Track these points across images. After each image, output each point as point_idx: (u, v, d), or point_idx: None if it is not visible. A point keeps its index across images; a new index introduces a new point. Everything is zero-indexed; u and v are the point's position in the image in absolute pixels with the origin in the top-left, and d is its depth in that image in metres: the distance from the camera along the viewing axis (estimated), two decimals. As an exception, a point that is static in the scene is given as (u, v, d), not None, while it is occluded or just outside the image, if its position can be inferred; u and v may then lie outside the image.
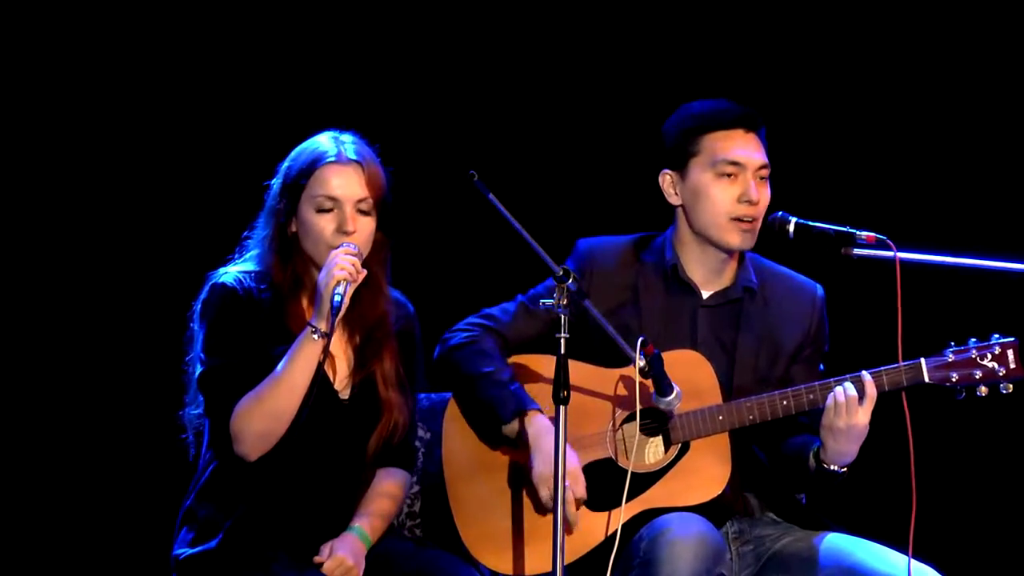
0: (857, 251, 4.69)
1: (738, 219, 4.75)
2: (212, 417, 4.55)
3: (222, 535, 4.47)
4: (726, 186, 4.76)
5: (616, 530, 4.54)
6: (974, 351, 4.59)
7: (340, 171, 4.57)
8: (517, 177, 6.01)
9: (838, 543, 4.69)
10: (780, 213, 4.79)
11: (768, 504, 4.81)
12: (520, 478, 4.72)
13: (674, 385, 4.50)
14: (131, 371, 6.02)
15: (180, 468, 4.72)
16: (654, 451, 4.72)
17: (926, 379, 4.59)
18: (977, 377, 4.58)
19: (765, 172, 4.79)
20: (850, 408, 4.53)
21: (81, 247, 6.06)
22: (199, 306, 4.60)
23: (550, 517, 4.30)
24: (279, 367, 4.46)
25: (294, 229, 4.60)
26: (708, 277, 4.85)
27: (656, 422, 4.70)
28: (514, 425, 4.67)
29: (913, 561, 4.53)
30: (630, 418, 4.68)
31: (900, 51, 6.20)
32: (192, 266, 4.72)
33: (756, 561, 4.76)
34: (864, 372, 4.58)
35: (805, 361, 4.84)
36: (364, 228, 4.56)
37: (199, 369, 4.54)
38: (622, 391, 4.70)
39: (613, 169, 6.16)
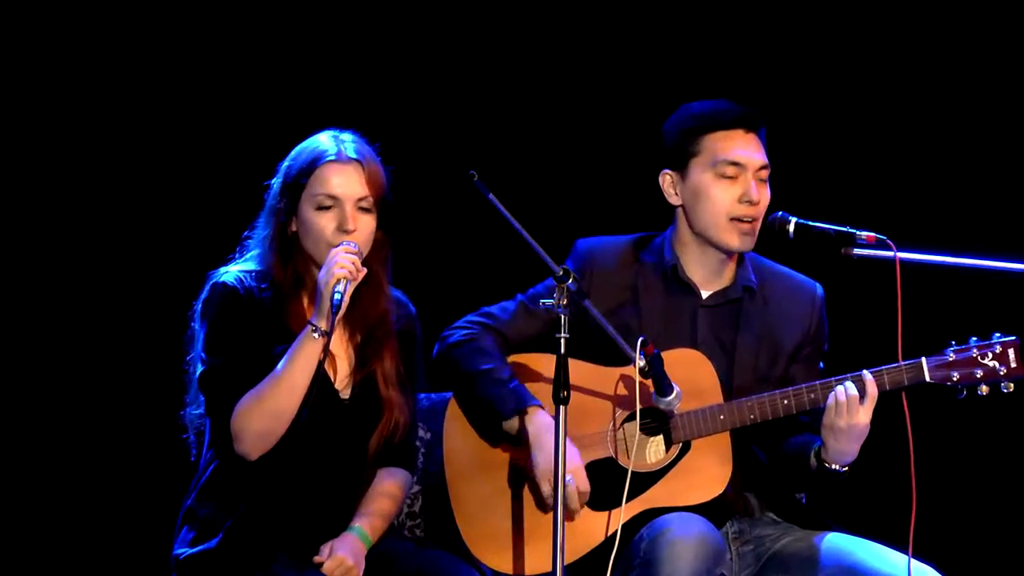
0: (857, 251, 4.69)
1: (738, 219, 4.75)
2: (213, 416, 4.54)
3: (222, 534, 4.47)
4: (727, 186, 4.76)
5: (616, 530, 4.54)
6: (975, 350, 4.59)
7: (340, 170, 4.57)
8: (517, 177, 6.01)
9: (838, 543, 4.69)
10: (780, 213, 4.79)
11: (768, 504, 4.81)
12: (521, 477, 4.72)
13: (674, 385, 4.50)
14: (132, 371, 6.02)
15: (181, 468, 4.72)
16: (655, 450, 4.72)
17: (927, 378, 4.59)
18: (978, 376, 4.58)
19: (765, 173, 4.79)
20: (851, 407, 4.53)
21: (82, 247, 6.06)
22: (200, 305, 4.60)
23: (551, 517, 4.29)
24: (279, 366, 4.46)
25: (294, 228, 4.60)
26: (707, 277, 4.85)
27: (657, 421, 4.70)
28: (514, 422, 4.67)
29: (913, 561, 4.53)
30: (631, 417, 4.68)
31: (900, 51, 6.20)
32: (193, 266, 4.72)
33: (756, 561, 4.76)
34: (865, 371, 4.58)
35: (805, 360, 4.84)
36: (364, 227, 4.56)
37: (200, 368, 4.54)
38: (622, 390, 4.70)
39: (612, 169, 6.16)
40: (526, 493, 4.70)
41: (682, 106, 4.86)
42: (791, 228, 4.75)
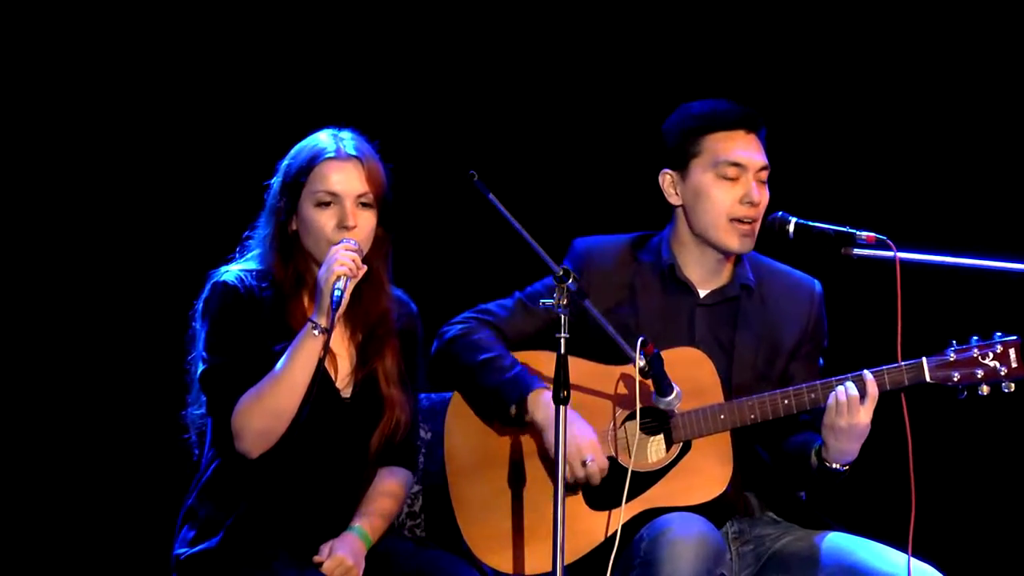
0: (857, 251, 4.69)
1: (738, 220, 4.75)
2: (214, 415, 4.55)
3: (223, 534, 4.47)
4: (727, 187, 4.76)
5: (616, 530, 4.54)
6: (976, 350, 4.59)
7: (340, 167, 4.57)
8: (517, 177, 6.01)
9: (838, 542, 4.69)
10: (780, 213, 4.79)
11: (768, 503, 4.81)
12: (522, 477, 4.72)
13: (674, 385, 4.50)
14: (133, 371, 6.02)
15: (182, 468, 4.72)
16: (655, 450, 4.72)
17: (928, 378, 4.59)
18: (979, 376, 4.58)
19: (765, 174, 4.79)
20: (851, 407, 4.53)
21: (83, 247, 6.06)
22: (200, 305, 4.60)
23: (551, 516, 4.29)
24: (279, 364, 4.46)
25: (295, 227, 4.60)
26: (705, 276, 4.85)
27: (657, 421, 4.70)
28: (522, 408, 4.66)
29: (913, 560, 4.53)
30: (631, 416, 4.68)
31: (900, 51, 6.20)
32: (194, 266, 4.72)
33: (756, 561, 4.76)
34: (866, 371, 4.58)
35: (804, 358, 4.84)
36: (365, 224, 4.56)
37: (201, 367, 4.54)
38: (623, 390, 4.69)
39: (611, 169, 6.16)
40: (527, 493, 4.70)
41: (682, 106, 4.86)
42: (791, 228, 4.75)
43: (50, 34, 6.01)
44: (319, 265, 4.51)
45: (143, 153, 6.08)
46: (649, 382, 4.53)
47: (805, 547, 4.71)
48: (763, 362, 4.80)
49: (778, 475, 4.80)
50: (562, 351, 4.33)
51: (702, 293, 4.84)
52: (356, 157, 4.58)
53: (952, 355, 4.59)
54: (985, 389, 4.58)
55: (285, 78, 6.11)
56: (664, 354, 4.49)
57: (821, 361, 4.87)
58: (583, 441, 4.59)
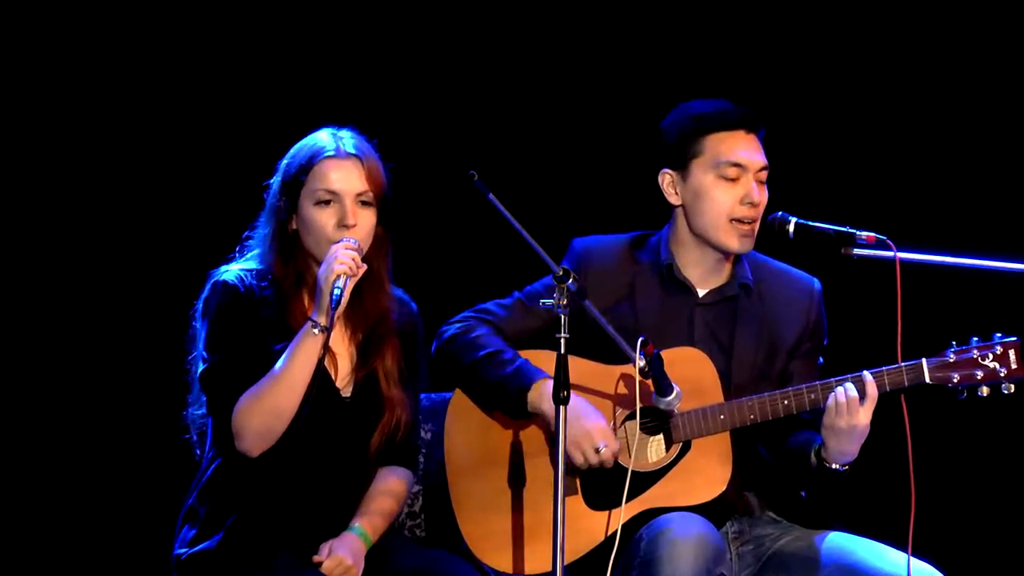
0: (857, 251, 4.69)
1: (739, 220, 4.75)
2: (214, 414, 4.55)
3: (223, 533, 4.47)
4: (728, 188, 4.76)
5: (616, 530, 4.54)
6: (976, 351, 4.58)
7: (339, 165, 4.57)
8: (517, 177, 6.01)
9: (838, 542, 4.69)
10: (780, 213, 4.79)
11: (768, 503, 4.81)
12: (522, 477, 4.72)
13: (674, 385, 4.50)
14: (134, 371, 6.02)
15: (182, 468, 4.72)
16: (655, 450, 4.72)
17: (927, 379, 4.58)
18: (978, 377, 4.57)
19: (764, 174, 4.79)
20: (851, 408, 4.53)
21: (84, 248, 6.06)
22: (200, 304, 4.60)
23: (551, 516, 4.29)
24: (279, 363, 4.46)
25: (295, 226, 4.60)
26: (704, 276, 4.85)
27: (657, 420, 4.70)
28: (527, 400, 4.66)
29: (913, 559, 4.53)
30: (631, 416, 4.68)
31: (900, 51, 6.20)
32: (194, 265, 4.72)
33: (756, 561, 4.76)
34: (865, 372, 4.58)
35: (804, 356, 4.84)
36: (365, 222, 4.56)
37: (201, 367, 4.54)
38: (623, 389, 4.69)
39: (611, 169, 6.16)
40: (526, 493, 4.71)
41: (681, 105, 4.85)
42: (791, 228, 4.75)
43: (50, 34, 6.02)
44: (319, 264, 4.51)
45: (143, 153, 6.08)
46: (649, 382, 4.53)
47: (805, 547, 4.71)
48: (763, 361, 4.80)
49: (778, 474, 4.80)
50: (562, 351, 4.33)
51: (701, 292, 4.84)
52: (356, 155, 4.58)
53: (952, 356, 4.59)
54: (985, 390, 4.58)
55: (285, 78, 6.11)
56: (664, 354, 4.49)
57: (821, 360, 4.88)
58: (595, 427, 4.59)
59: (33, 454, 6.04)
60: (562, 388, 4.31)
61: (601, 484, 4.65)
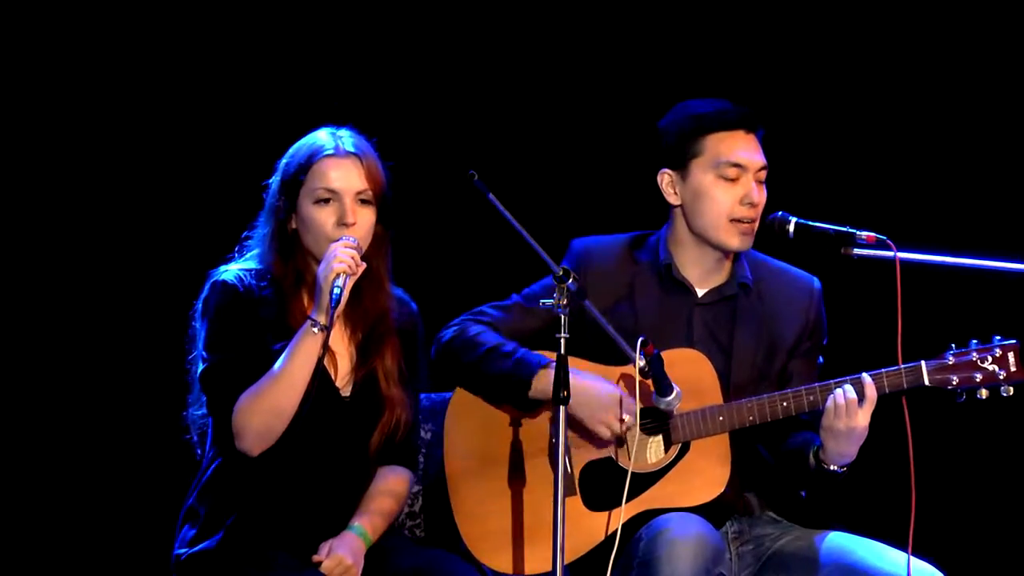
0: (857, 251, 4.69)
1: (738, 220, 4.75)
2: (214, 414, 4.55)
3: (223, 533, 4.47)
4: (728, 188, 4.76)
5: (616, 530, 4.54)
6: (974, 354, 4.58)
7: (338, 164, 4.57)
8: (517, 177, 6.01)
9: (838, 542, 4.69)
10: (780, 213, 4.79)
11: (768, 503, 4.81)
12: (521, 477, 4.72)
13: (674, 385, 4.50)
14: (134, 371, 6.02)
15: (182, 468, 4.72)
16: (655, 450, 4.72)
17: (926, 382, 4.58)
18: (977, 380, 4.57)
19: (764, 174, 4.79)
20: (850, 410, 4.53)
21: (83, 248, 6.06)
22: (200, 304, 4.60)
23: (550, 516, 4.29)
24: (279, 362, 4.46)
25: (294, 226, 4.60)
26: (703, 275, 4.84)
27: (656, 421, 4.70)
28: (532, 386, 4.66)
29: (913, 559, 4.53)
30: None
31: (900, 51, 6.20)
32: (194, 266, 4.72)
33: (756, 561, 4.76)
34: (864, 374, 4.58)
35: (804, 355, 4.84)
36: (364, 220, 4.56)
37: (200, 366, 4.54)
38: (623, 390, 4.69)
39: (611, 169, 6.16)
40: (526, 493, 4.71)
41: (679, 104, 4.85)
42: (791, 228, 4.75)
43: (50, 34, 6.01)
44: (318, 263, 4.51)
45: (143, 153, 6.08)
46: (649, 382, 4.53)
47: (805, 547, 4.71)
48: (762, 360, 4.80)
49: (777, 475, 4.80)
50: (562, 351, 4.33)
51: (700, 292, 4.84)
52: (355, 154, 4.58)
53: (951, 359, 4.58)
54: (984, 393, 4.57)
55: (284, 78, 6.10)
56: (663, 355, 4.48)
57: (821, 359, 4.87)
58: (612, 397, 4.59)
59: (33, 454, 6.04)
60: (562, 388, 4.31)
61: (600, 485, 4.65)
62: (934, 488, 5.50)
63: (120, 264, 6.06)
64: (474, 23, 6.23)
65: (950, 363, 4.58)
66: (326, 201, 4.55)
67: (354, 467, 4.60)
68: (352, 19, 6.19)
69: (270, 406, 4.45)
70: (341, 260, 4.44)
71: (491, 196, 4.34)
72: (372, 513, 4.58)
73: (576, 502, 4.66)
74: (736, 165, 4.75)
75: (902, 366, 4.58)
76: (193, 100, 6.09)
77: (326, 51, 6.15)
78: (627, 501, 4.56)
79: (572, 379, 4.42)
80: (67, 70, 6.03)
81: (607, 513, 4.64)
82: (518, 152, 6.21)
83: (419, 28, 6.21)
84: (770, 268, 4.91)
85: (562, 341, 4.33)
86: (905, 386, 4.58)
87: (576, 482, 4.69)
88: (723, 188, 4.76)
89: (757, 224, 4.78)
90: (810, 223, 4.74)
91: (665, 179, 4.84)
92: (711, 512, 4.62)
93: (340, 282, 4.42)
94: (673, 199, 4.84)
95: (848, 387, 4.56)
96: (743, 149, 4.76)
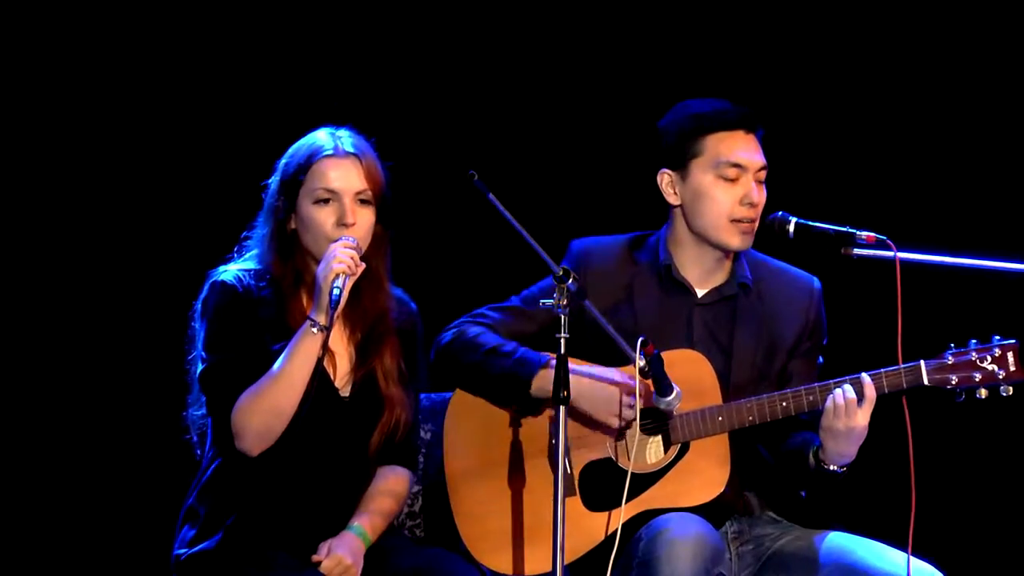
0: (857, 251, 4.69)
1: (738, 220, 4.75)
2: (213, 414, 4.55)
3: (223, 533, 4.47)
4: (728, 188, 4.76)
5: (616, 530, 4.54)
6: (974, 353, 4.58)
7: (338, 164, 4.57)
8: (517, 177, 6.01)
9: (838, 542, 4.69)
10: (780, 213, 4.78)
11: (768, 503, 4.81)
12: (521, 478, 4.72)
13: (674, 385, 4.50)
14: (134, 371, 6.02)
15: (182, 468, 4.72)
16: (654, 451, 4.72)
17: (925, 382, 4.58)
18: (977, 380, 4.57)
19: (763, 174, 4.79)
20: (849, 410, 4.53)
21: (83, 248, 6.06)
22: (199, 304, 4.60)
23: (550, 517, 4.29)
24: (278, 363, 4.46)
25: (293, 226, 4.60)
26: (703, 275, 4.84)
27: (656, 422, 4.70)
28: (535, 385, 4.66)
29: (913, 559, 4.53)
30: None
31: (900, 51, 6.20)
32: (193, 266, 4.72)
33: (756, 561, 4.76)
34: (863, 374, 4.58)
35: (804, 355, 4.84)
36: (364, 220, 4.56)
37: (200, 367, 4.54)
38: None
39: (612, 169, 6.16)
40: (525, 493, 4.70)
41: (679, 104, 4.85)
42: (791, 228, 4.75)
43: (50, 34, 6.02)
44: (318, 263, 4.51)
45: (142, 153, 6.08)
46: (649, 382, 4.53)
47: (804, 547, 4.71)
48: (762, 360, 4.80)
49: (777, 475, 4.80)
50: (562, 351, 4.33)
51: (700, 293, 4.84)
52: (354, 154, 4.59)
53: (950, 358, 4.58)
54: (983, 392, 4.57)
55: (283, 78, 6.10)
56: (663, 355, 4.48)
57: (821, 359, 4.87)
58: (616, 390, 4.60)
59: (34, 454, 6.05)
60: (562, 388, 4.30)
61: (599, 485, 4.65)
62: (934, 488, 5.50)
63: (120, 264, 6.07)
64: (473, 23, 6.23)
65: (949, 363, 4.58)
66: (325, 201, 4.55)
67: (354, 467, 4.60)
68: (352, 19, 6.19)
69: (269, 406, 4.45)
70: (340, 260, 4.44)
71: (491, 196, 4.34)
72: (372, 513, 4.58)
73: (576, 502, 4.66)
74: (736, 165, 4.75)
75: (901, 366, 4.58)
76: (192, 100, 6.09)
77: (326, 51, 6.15)
78: (627, 501, 4.56)
79: (575, 375, 4.42)
80: (66, 70, 6.03)
81: (607, 513, 4.64)
82: (518, 152, 6.21)
83: (419, 28, 6.21)
84: (770, 268, 4.90)
85: (562, 341, 4.33)
86: (904, 386, 4.58)
87: (576, 482, 4.68)
88: (723, 188, 4.76)
89: (757, 224, 4.78)
90: (810, 223, 4.74)
91: (665, 179, 4.84)
92: (711, 512, 4.62)
93: (339, 282, 4.42)
94: (673, 199, 4.83)
95: (847, 387, 4.56)
96: (743, 149, 4.76)
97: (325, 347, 4.43)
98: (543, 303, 4.39)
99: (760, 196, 4.76)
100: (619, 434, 4.70)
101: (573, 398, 4.40)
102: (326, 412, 4.53)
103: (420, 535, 4.95)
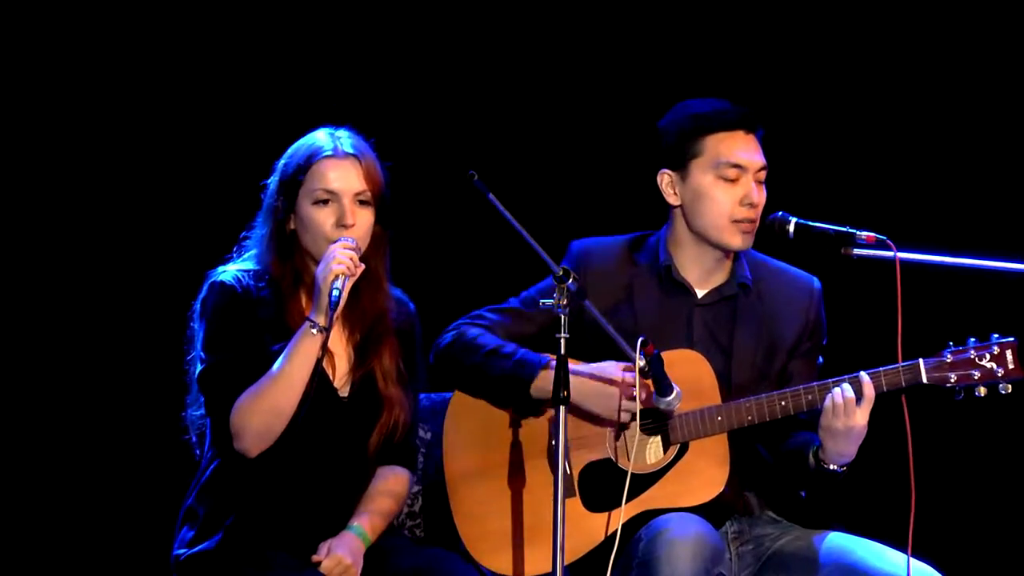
0: (857, 251, 4.69)
1: (738, 221, 4.75)
2: (212, 415, 4.55)
3: (222, 533, 4.47)
4: (728, 188, 4.76)
5: (616, 530, 4.54)
6: (972, 351, 4.58)
7: (337, 164, 4.57)
8: (517, 177, 6.01)
9: (838, 542, 4.69)
10: (780, 213, 4.78)
11: (768, 503, 4.81)
12: (520, 478, 4.72)
13: (674, 385, 4.49)
14: (133, 371, 6.02)
15: (181, 469, 4.72)
16: (654, 451, 4.72)
17: (924, 380, 4.58)
18: (975, 378, 4.57)
19: (763, 174, 4.79)
20: (848, 409, 4.53)
21: (82, 248, 6.06)
22: (198, 305, 4.60)
23: (550, 517, 4.29)
24: (277, 363, 4.46)
25: (292, 226, 4.60)
26: (703, 276, 4.84)
27: (655, 422, 4.70)
28: (535, 386, 4.66)
29: (912, 559, 4.53)
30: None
31: (900, 51, 6.20)
32: (193, 266, 4.72)
33: (756, 561, 4.76)
34: (862, 373, 4.58)
35: (804, 355, 4.83)
36: (363, 221, 4.56)
37: (199, 367, 4.54)
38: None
39: (612, 169, 6.16)
40: (525, 494, 4.70)
41: (679, 104, 4.84)
42: (791, 228, 4.75)
43: (50, 34, 6.02)
44: (317, 263, 4.51)
45: (142, 153, 6.08)
46: (649, 382, 4.53)
47: (804, 547, 4.71)
48: (762, 360, 4.80)
49: (777, 475, 4.79)
50: (562, 351, 4.33)
51: (700, 293, 4.84)
52: (353, 155, 4.59)
53: (949, 356, 4.58)
54: (982, 390, 4.57)
55: (283, 78, 6.10)
56: (663, 355, 4.48)
57: (820, 359, 4.87)
58: (617, 386, 4.59)
59: (33, 454, 6.05)
60: (562, 388, 4.30)
61: (599, 486, 4.65)
62: (934, 488, 5.50)
63: (119, 264, 6.07)
64: (473, 23, 6.23)
65: (948, 361, 4.58)
66: (325, 202, 4.55)
67: (353, 467, 4.60)
68: (351, 19, 6.19)
69: (269, 407, 4.45)
70: (340, 261, 4.44)
71: (491, 196, 4.34)
72: (371, 513, 4.58)
73: (576, 503, 4.66)
74: (736, 166, 4.75)
75: (900, 364, 4.58)
76: (192, 100, 6.09)
77: (325, 51, 6.15)
78: (626, 502, 4.56)
79: (575, 376, 4.41)
80: (66, 70, 6.03)
81: (607, 514, 4.64)
82: (518, 152, 6.21)
83: (418, 28, 6.21)
84: (770, 268, 4.90)
85: (562, 341, 4.33)
86: (903, 384, 4.58)
87: (576, 483, 4.68)
88: (723, 188, 4.76)
89: (757, 224, 4.78)
90: (810, 223, 4.74)
91: (665, 179, 4.84)
92: (711, 512, 4.62)
93: (339, 283, 4.42)
94: (673, 199, 4.83)
95: (846, 386, 4.55)
96: (743, 149, 4.76)
97: (324, 348, 4.43)
98: (543, 303, 4.39)
99: (760, 196, 4.76)
100: (619, 434, 4.70)
101: (573, 399, 4.40)
102: (325, 412, 4.53)
103: (420, 535, 4.95)
